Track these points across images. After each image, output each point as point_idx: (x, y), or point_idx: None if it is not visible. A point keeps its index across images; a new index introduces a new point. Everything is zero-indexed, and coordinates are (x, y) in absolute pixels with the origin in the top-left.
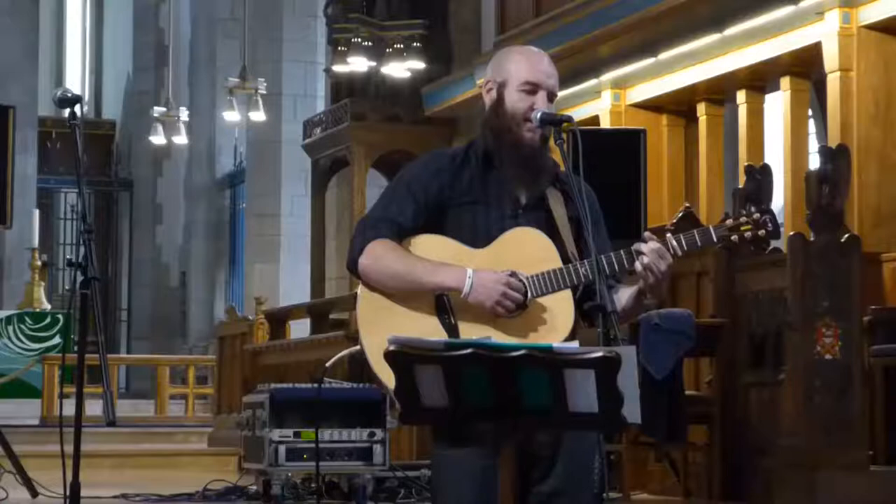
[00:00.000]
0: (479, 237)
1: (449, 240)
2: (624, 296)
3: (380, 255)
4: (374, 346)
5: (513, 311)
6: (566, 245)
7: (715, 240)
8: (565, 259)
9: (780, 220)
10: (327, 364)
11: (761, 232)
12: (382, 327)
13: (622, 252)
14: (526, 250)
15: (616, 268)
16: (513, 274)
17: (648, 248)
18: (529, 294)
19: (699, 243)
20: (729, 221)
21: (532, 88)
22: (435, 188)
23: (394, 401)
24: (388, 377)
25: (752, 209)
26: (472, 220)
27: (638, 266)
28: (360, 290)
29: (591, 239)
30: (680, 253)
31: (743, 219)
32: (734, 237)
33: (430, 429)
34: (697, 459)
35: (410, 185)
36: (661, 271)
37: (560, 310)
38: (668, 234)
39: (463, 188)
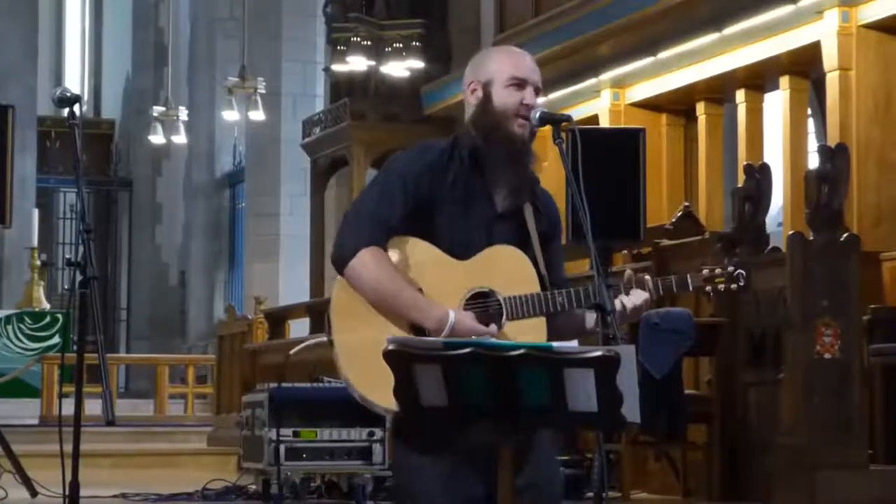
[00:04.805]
0: (455, 242)
1: (433, 248)
2: (591, 318)
3: (370, 268)
4: (347, 342)
5: None
6: (538, 261)
7: (690, 288)
8: (538, 275)
9: (779, 219)
10: (291, 352)
11: (733, 286)
12: (357, 322)
13: (603, 287)
14: (507, 270)
15: (591, 300)
16: (489, 293)
17: (633, 301)
18: (504, 316)
19: (675, 288)
20: (705, 272)
21: (519, 83)
22: (425, 185)
23: (360, 401)
24: (355, 376)
25: (727, 262)
26: (450, 223)
27: (618, 304)
28: (339, 281)
29: (590, 243)
30: (655, 297)
31: (718, 271)
32: (708, 287)
33: (394, 432)
34: (697, 459)
35: (402, 180)
36: (637, 317)
37: (530, 334)
38: (647, 277)
39: (447, 188)
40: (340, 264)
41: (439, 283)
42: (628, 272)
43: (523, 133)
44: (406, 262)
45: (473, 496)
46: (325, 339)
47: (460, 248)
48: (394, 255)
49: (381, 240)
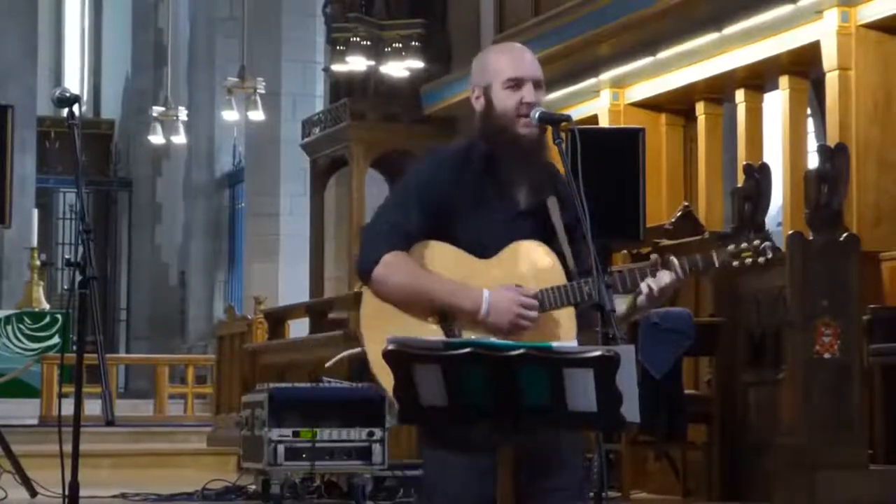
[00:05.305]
0: (476, 244)
1: (455, 249)
2: (621, 305)
3: (395, 270)
4: (377, 348)
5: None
6: (565, 254)
7: (717, 264)
8: (564, 268)
9: (778, 219)
10: (327, 365)
11: (761, 259)
12: (386, 330)
13: (626, 273)
14: (532, 265)
15: (620, 288)
16: (518, 287)
17: (658, 282)
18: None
19: (701, 266)
20: (731, 247)
21: (517, 83)
22: (442, 192)
23: (394, 403)
24: (388, 381)
25: (753, 236)
26: (470, 226)
27: (644, 287)
28: (366, 291)
29: (590, 242)
30: (683, 277)
31: (744, 245)
32: (735, 262)
33: (422, 429)
34: (697, 459)
35: (419, 189)
36: (667, 297)
37: (562, 327)
38: (673, 257)
39: (465, 191)
40: (365, 275)
41: (466, 282)
42: (654, 256)
43: (529, 132)
44: (431, 265)
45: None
46: (358, 349)
47: (482, 250)
48: (418, 259)
49: (402, 247)
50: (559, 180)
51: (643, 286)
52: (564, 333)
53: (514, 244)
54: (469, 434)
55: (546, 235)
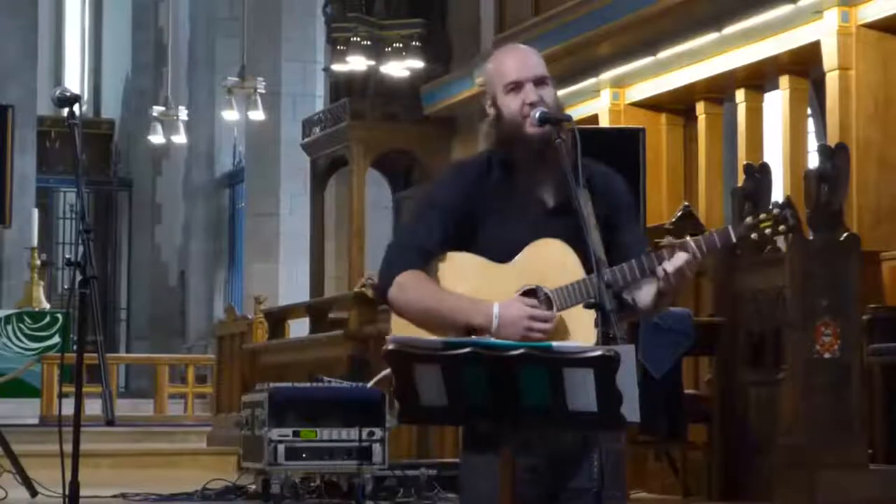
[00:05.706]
0: (509, 248)
1: (476, 257)
2: (649, 293)
3: (409, 290)
4: None
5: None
6: (596, 245)
7: (734, 239)
8: (588, 262)
9: None
10: (368, 385)
11: (782, 227)
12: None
13: (643, 258)
14: (549, 263)
15: (638, 275)
16: (537, 289)
17: (673, 264)
18: (555, 308)
19: (718, 244)
20: (749, 220)
21: (516, 85)
22: (462, 206)
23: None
24: None
25: (771, 206)
26: (502, 231)
27: (660, 272)
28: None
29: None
30: (700, 256)
31: (763, 215)
32: (754, 235)
33: (462, 433)
34: (697, 458)
35: (438, 206)
36: (686, 279)
37: (583, 321)
38: (688, 238)
39: (489, 200)
40: (381, 296)
41: (486, 289)
42: (669, 238)
43: (537, 130)
44: (450, 276)
45: (531, 496)
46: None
47: (510, 256)
48: (438, 271)
49: (419, 264)
50: (589, 173)
51: (659, 270)
52: (585, 329)
53: (531, 245)
54: (498, 436)
55: (579, 231)
